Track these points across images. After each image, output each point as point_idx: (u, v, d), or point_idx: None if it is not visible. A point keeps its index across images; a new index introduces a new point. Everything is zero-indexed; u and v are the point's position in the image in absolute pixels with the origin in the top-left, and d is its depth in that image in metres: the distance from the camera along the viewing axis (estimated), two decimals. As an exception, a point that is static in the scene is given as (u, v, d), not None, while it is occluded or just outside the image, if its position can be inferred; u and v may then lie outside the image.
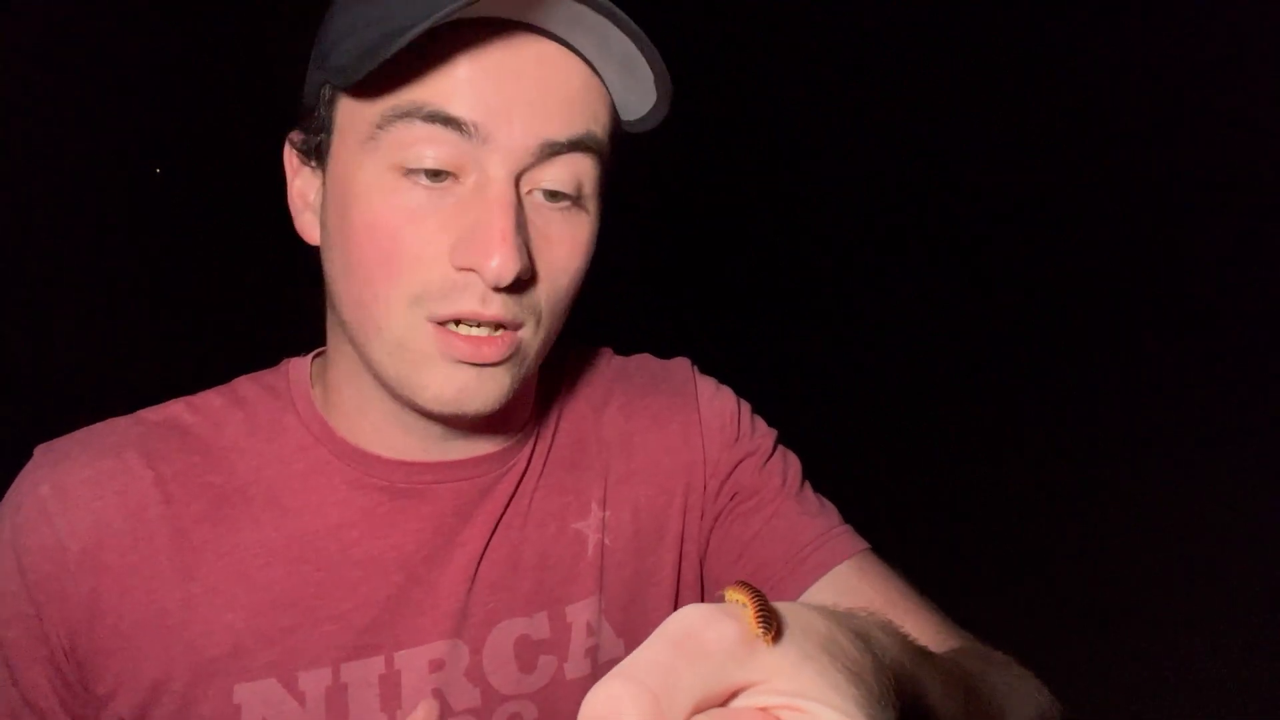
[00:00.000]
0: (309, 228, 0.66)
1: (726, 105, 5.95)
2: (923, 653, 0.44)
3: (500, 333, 0.60)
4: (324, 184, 0.63)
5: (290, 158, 0.66)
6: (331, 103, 0.61)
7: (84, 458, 0.63)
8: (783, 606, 0.33)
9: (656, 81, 0.59)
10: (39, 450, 0.65)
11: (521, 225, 0.58)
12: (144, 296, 4.09)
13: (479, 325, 0.59)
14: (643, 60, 0.58)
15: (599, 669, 0.69)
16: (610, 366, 0.81)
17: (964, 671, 0.55)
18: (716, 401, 0.79)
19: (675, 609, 0.72)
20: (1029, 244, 6.03)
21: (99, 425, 0.66)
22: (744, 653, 0.30)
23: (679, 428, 0.77)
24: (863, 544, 0.75)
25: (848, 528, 0.76)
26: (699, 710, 0.28)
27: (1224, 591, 2.98)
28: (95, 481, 0.62)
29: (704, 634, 0.29)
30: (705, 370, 0.83)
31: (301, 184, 0.66)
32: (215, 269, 4.27)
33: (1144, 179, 5.85)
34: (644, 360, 0.83)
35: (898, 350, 5.51)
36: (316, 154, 0.63)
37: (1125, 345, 5.33)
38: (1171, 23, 5.39)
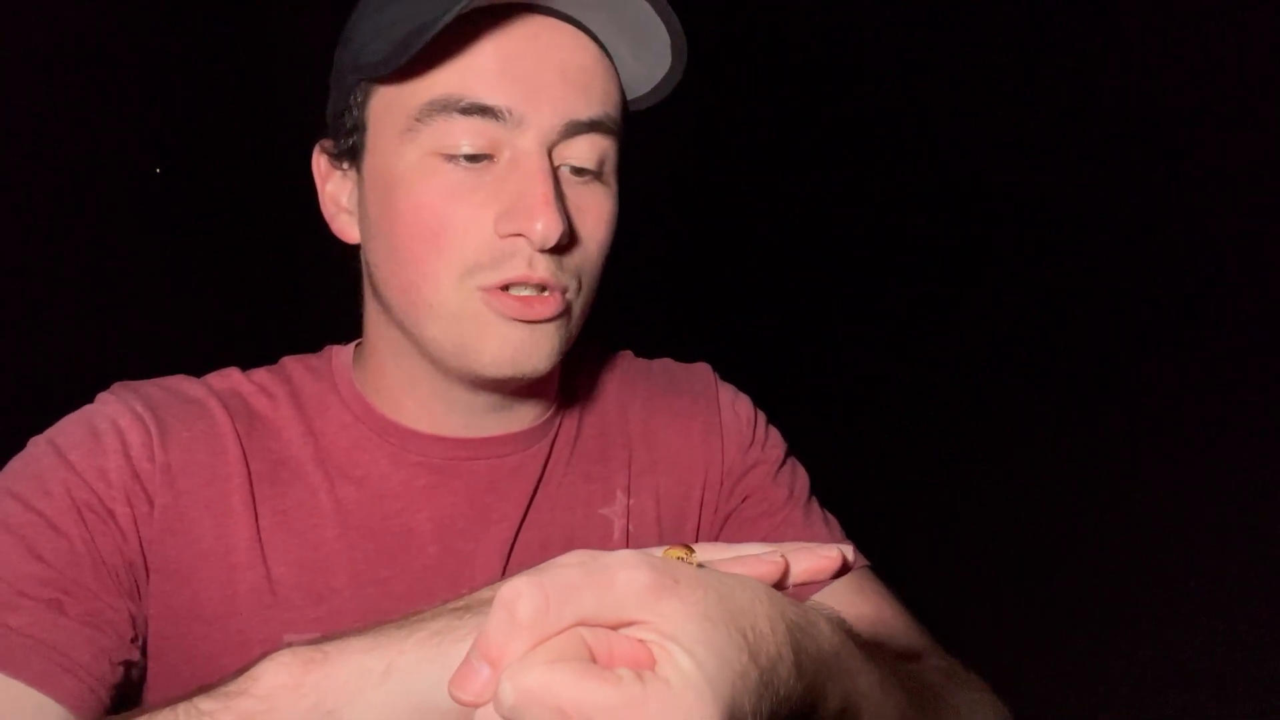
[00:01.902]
0: (346, 228, 0.70)
1: (739, 106, 5.95)
2: (871, 653, 0.48)
3: (548, 293, 0.63)
4: (360, 181, 0.67)
5: (320, 164, 0.70)
6: (364, 103, 0.65)
7: (171, 396, 0.67)
8: (715, 574, 0.38)
9: (672, 42, 0.63)
10: (118, 385, 0.67)
11: (559, 192, 0.62)
12: (143, 297, 4.09)
13: (527, 289, 0.63)
14: (658, 22, 0.62)
15: None
16: (633, 366, 0.85)
17: (920, 682, 0.59)
18: (736, 406, 0.83)
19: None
20: (1036, 247, 6.04)
21: (169, 378, 0.70)
22: (648, 597, 0.34)
23: (700, 426, 0.80)
24: (862, 560, 0.79)
25: (850, 544, 0.80)
26: (584, 624, 0.34)
27: (1225, 592, 2.99)
28: (184, 417, 0.66)
29: (617, 573, 0.35)
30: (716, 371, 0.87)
31: (333, 188, 0.70)
32: (215, 270, 4.27)
33: (1145, 180, 5.85)
34: (665, 363, 0.87)
35: (901, 351, 5.51)
36: (349, 155, 0.67)
37: (1126, 347, 5.33)
38: (1172, 23, 5.39)
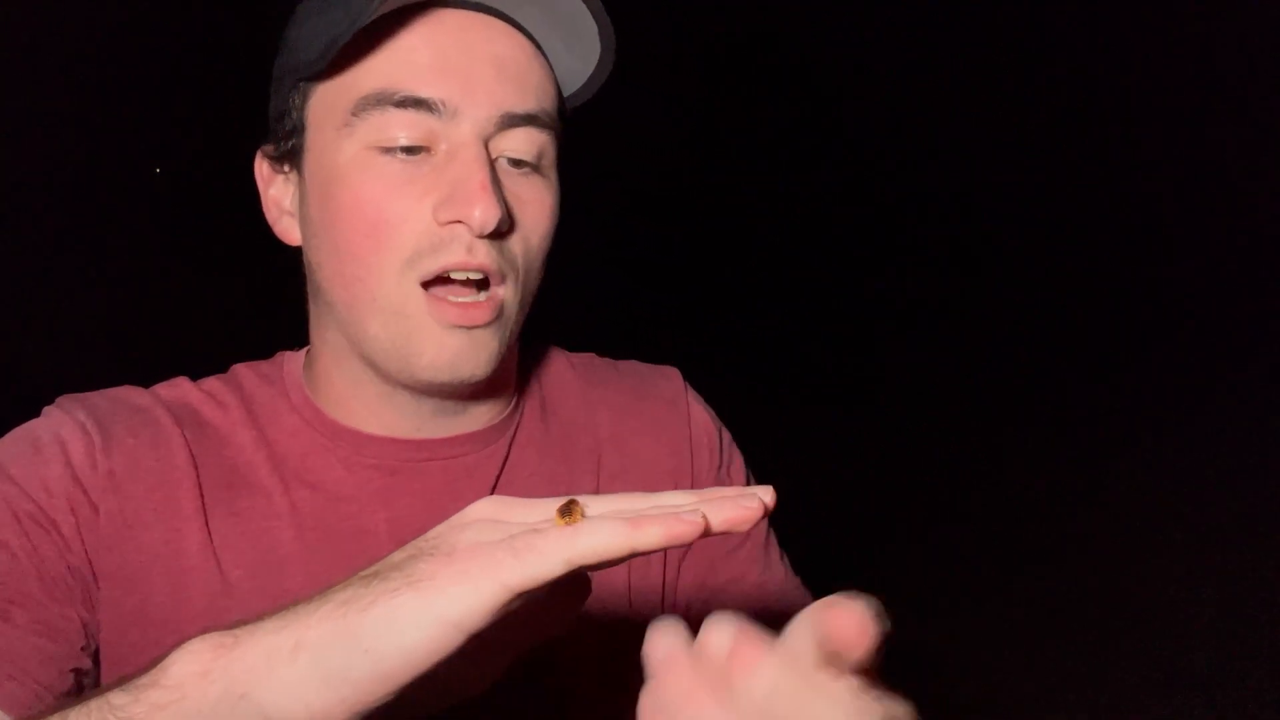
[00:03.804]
0: (289, 230, 0.70)
1: (722, 108, 5.95)
2: None
3: (485, 296, 0.64)
4: (300, 182, 0.68)
5: (261, 168, 0.71)
6: (303, 104, 0.66)
7: (116, 405, 0.67)
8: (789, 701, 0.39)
9: (599, 30, 0.65)
10: (63, 398, 0.68)
11: (497, 180, 0.63)
12: (138, 296, 4.09)
13: (466, 281, 0.64)
14: (586, 13, 0.63)
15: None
16: (600, 368, 0.85)
17: None
18: (705, 422, 0.84)
19: (663, 606, 0.77)
20: (1029, 243, 6.04)
21: (116, 389, 0.70)
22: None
23: (670, 438, 0.81)
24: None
25: (798, 580, 0.83)
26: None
27: (1223, 592, 2.98)
28: (130, 424, 0.66)
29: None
30: (700, 371, 0.87)
31: (276, 192, 0.71)
32: (207, 270, 4.28)
33: (1144, 179, 5.85)
34: (634, 365, 0.86)
35: (894, 351, 5.51)
36: (290, 157, 0.68)
37: (1123, 345, 5.33)
38: (1173, 22, 5.39)
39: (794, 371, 5.17)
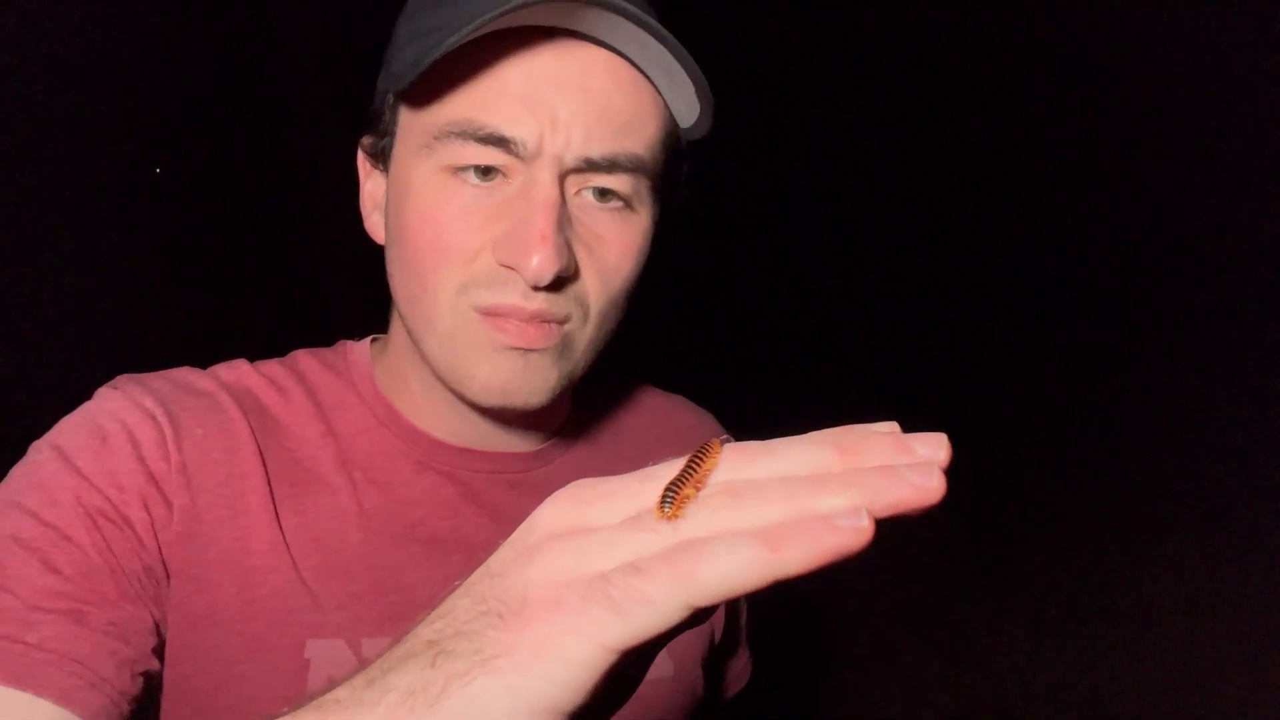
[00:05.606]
0: (377, 228, 0.69)
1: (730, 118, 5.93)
2: None
3: (546, 323, 0.61)
4: (387, 184, 0.67)
5: (362, 161, 0.70)
6: (395, 108, 0.65)
7: (179, 389, 0.64)
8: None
9: (698, 92, 0.61)
10: (123, 378, 0.64)
11: (565, 224, 0.60)
12: (139, 295, 4.08)
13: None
14: (682, 72, 0.60)
15: (646, 683, 0.70)
16: (656, 405, 0.85)
17: None
18: None
19: (715, 637, 0.79)
20: (1028, 242, 6.03)
21: (175, 370, 0.67)
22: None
23: None
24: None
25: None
26: None
27: (1222, 591, 2.99)
28: (196, 412, 0.63)
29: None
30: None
31: (372, 186, 0.70)
32: (210, 268, 4.27)
33: (1143, 178, 5.85)
34: (686, 402, 0.87)
35: (893, 352, 5.51)
36: (382, 156, 0.67)
37: (1120, 345, 5.33)
38: (1173, 23, 5.39)
39: (796, 373, 5.17)
